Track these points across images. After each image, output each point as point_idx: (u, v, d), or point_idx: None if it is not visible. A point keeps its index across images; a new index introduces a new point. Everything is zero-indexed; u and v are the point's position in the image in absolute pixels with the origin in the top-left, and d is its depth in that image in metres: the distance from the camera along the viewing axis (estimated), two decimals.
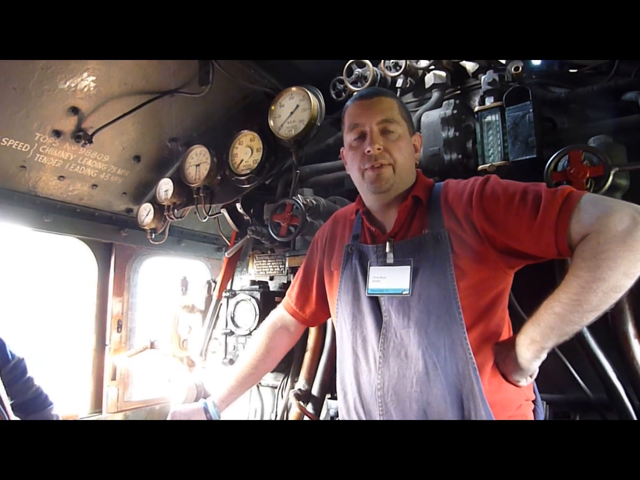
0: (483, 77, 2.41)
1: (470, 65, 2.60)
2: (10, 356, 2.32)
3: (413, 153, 1.74)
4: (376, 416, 1.60)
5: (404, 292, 1.59)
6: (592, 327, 2.01)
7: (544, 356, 1.47)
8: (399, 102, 1.75)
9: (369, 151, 1.62)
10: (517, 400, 1.58)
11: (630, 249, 1.26)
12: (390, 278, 1.64)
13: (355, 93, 1.79)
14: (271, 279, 3.39)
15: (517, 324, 1.65)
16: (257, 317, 2.97)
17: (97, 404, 3.46)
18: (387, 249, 1.67)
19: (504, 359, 1.52)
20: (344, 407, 1.75)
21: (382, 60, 2.80)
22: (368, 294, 1.68)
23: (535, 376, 1.59)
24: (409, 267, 1.61)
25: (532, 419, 1.65)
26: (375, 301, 1.67)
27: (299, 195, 2.63)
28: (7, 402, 1.90)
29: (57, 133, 2.75)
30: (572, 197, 1.38)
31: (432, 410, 1.50)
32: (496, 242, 1.51)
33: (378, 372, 1.60)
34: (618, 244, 1.26)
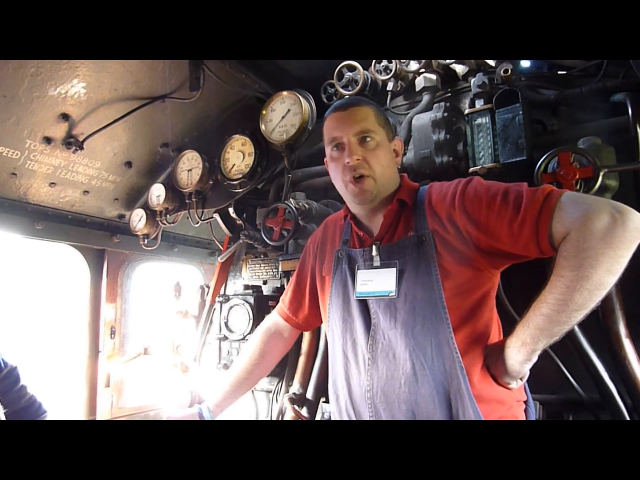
0: (473, 80, 2.42)
1: (460, 68, 2.62)
2: (2, 364, 2.30)
3: (393, 159, 1.76)
4: (366, 418, 1.61)
5: (390, 294, 1.61)
6: (583, 327, 2.03)
7: (535, 359, 1.48)
8: (376, 110, 1.75)
9: (348, 162, 1.64)
10: (508, 402, 1.59)
11: (610, 246, 1.27)
12: (377, 281, 1.66)
13: (331, 105, 1.80)
14: (264, 283, 3.39)
15: (510, 326, 1.67)
16: (251, 321, 2.97)
17: (91, 411, 3.44)
18: (374, 252, 1.70)
19: (495, 362, 1.52)
20: (336, 410, 1.77)
21: (373, 64, 2.81)
22: (356, 297, 1.70)
23: (525, 379, 1.60)
24: (394, 269, 1.63)
25: (524, 419, 1.66)
26: (364, 304, 1.69)
27: (291, 199, 2.63)
28: (1, 411, 1.89)
29: (48, 140, 2.74)
30: (552, 196, 1.39)
31: (420, 410, 1.51)
32: (480, 242, 1.52)
33: (367, 373, 1.62)
34: (598, 242, 1.27)
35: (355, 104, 1.74)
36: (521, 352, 1.45)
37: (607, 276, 1.29)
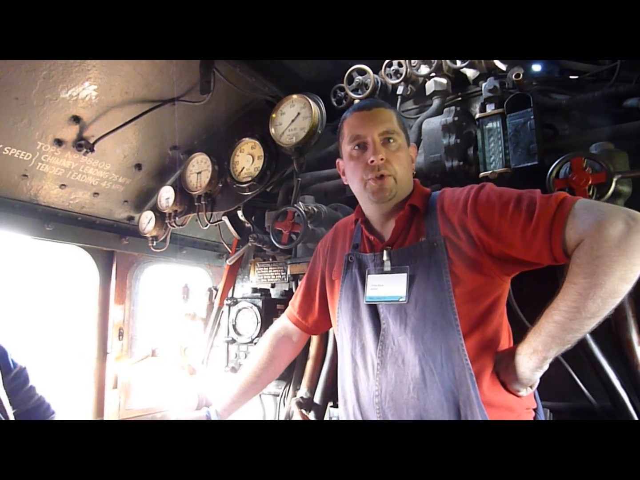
0: (484, 84, 2.41)
1: (470, 72, 2.61)
2: (12, 365, 2.30)
3: (411, 163, 1.77)
4: None
5: (400, 300, 1.60)
6: (595, 335, 2.01)
7: (546, 366, 1.46)
8: (397, 114, 1.77)
9: (372, 161, 1.63)
10: (517, 409, 1.58)
11: (624, 253, 1.25)
12: (388, 286, 1.66)
13: (353, 104, 1.80)
14: (273, 286, 3.39)
15: (521, 332, 1.65)
16: (259, 324, 2.97)
17: (99, 412, 3.45)
18: (385, 257, 1.69)
19: (505, 368, 1.51)
20: (344, 414, 1.77)
21: (383, 68, 2.81)
22: (366, 301, 1.69)
23: (535, 387, 1.58)
24: (405, 274, 1.63)
25: None
26: (373, 309, 1.68)
27: (300, 202, 2.63)
28: (10, 411, 1.90)
29: (59, 142, 2.76)
30: (566, 203, 1.38)
31: (429, 416, 1.50)
32: (492, 249, 1.51)
33: (376, 378, 1.61)
34: (612, 250, 1.26)
35: (379, 105, 1.76)
36: (532, 360, 1.44)
37: (620, 284, 1.27)
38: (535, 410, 1.68)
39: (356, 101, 2.85)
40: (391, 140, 1.67)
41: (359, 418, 1.67)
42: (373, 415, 1.61)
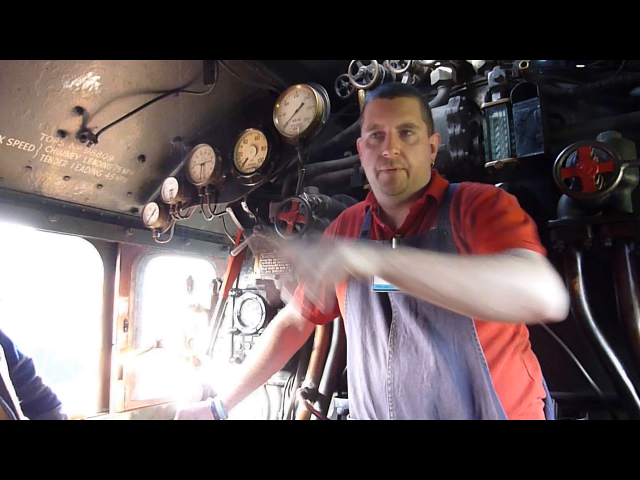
0: (489, 74, 2.39)
1: (476, 62, 2.58)
2: (18, 356, 2.32)
3: (430, 155, 1.74)
4: (386, 412, 1.60)
5: None
6: (601, 324, 2.01)
7: (380, 275, 1.25)
8: (422, 102, 1.71)
9: (385, 154, 1.61)
10: (529, 398, 1.57)
11: (517, 284, 1.20)
12: None
13: (377, 87, 1.77)
14: (277, 277, 3.38)
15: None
16: (264, 315, 2.97)
17: (104, 404, 3.46)
18: (393, 245, 1.68)
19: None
20: (354, 403, 1.76)
21: None
22: (373, 289, 1.68)
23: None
24: None
25: (543, 417, 1.64)
26: (384, 296, 1.67)
27: (304, 193, 2.62)
28: (17, 402, 1.90)
29: (62, 133, 2.74)
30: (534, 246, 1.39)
31: (442, 405, 1.50)
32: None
33: (388, 367, 1.60)
34: (522, 279, 1.21)
35: (402, 92, 1.68)
36: (385, 262, 1.21)
37: (457, 290, 1.18)
38: (544, 400, 1.68)
39: (360, 92, 2.84)
40: (409, 133, 1.63)
41: (370, 406, 1.66)
42: (385, 404, 1.60)
